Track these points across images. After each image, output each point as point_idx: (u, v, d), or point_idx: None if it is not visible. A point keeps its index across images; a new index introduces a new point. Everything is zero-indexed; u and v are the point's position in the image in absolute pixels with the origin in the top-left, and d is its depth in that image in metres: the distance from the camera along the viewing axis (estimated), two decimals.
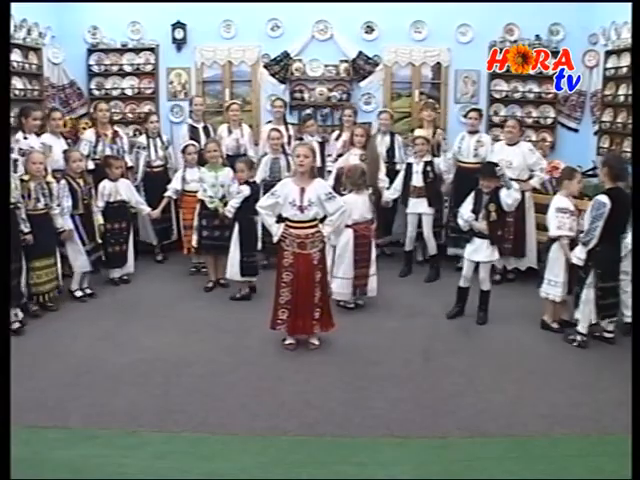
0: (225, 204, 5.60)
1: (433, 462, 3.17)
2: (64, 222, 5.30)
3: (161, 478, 3.00)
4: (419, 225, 6.12)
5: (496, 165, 5.13)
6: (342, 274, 5.23)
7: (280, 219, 4.52)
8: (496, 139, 6.94)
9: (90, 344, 4.56)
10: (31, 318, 4.96)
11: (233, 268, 5.46)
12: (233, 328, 4.89)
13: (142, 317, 5.13)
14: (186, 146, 6.19)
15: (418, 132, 6.07)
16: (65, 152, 5.63)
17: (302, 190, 4.34)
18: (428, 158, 5.96)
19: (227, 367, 4.21)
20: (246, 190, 5.42)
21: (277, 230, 4.43)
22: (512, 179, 5.82)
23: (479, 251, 4.96)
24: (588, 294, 4.50)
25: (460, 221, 5.06)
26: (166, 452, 3.24)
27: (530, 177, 5.99)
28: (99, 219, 5.67)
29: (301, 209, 4.34)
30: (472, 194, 5.05)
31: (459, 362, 4.30)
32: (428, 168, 5.94)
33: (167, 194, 6.16)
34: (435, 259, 6.18)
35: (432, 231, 6.06)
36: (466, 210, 5.01)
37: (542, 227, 6.00)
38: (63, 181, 5.38)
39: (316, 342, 4.57)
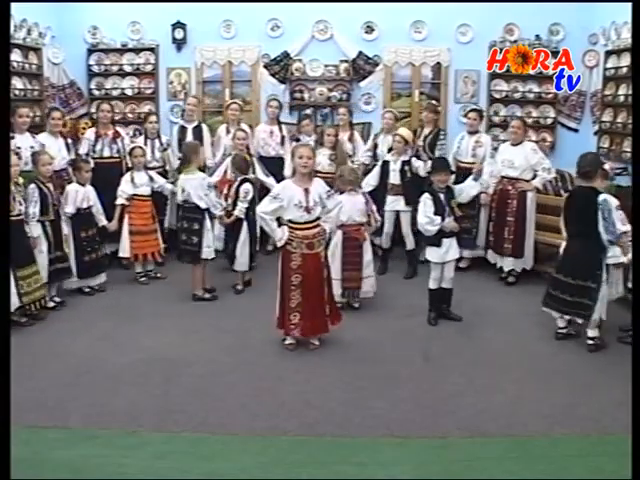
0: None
1: (433, 462, 3.17)
2: (31, 230, 4.98)
3: (161, 478, 3.00)
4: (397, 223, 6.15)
5: (446, 160, 5.34)
6: (335, 276, 5.13)
7: (279, 222, 4.55)
8: (495, 139, 6.96)
9: (90, 344, 4.56)
10: (23, 327, 4.82)
11: (242, 260, 5.63)
12: (233, 328, 4.89)
13: (142, 317, 5.12)
14: (133, 148, 6.07)
15: (400, 131, 6.06)
16: (33, 155, 5.33)
17: (306, 191, 4.34)
18: (406, 157, 5.97)
19: (227, 367, 4.20)
20: (251, 189, 5.52)
21: (281, 234, 4.40)
22: (514, 178, 5.87)
23: (450, 251, 4.91)
24: None
25: (429, 227, 4.81)
26: (166, 452, 3.24)
27: (534, 177, 5.92)
28: (64, 228, 5.36)
29: (308, 210, 4.34)
30: (427, 197, 4.87)
31: (459, 362, 4.30)
32: (406, 167, 5.95)
33: (119, 202, 5.84)
34: (413, 255, 6.19)
35: (410, 228, 6.02)
36: (432, 214, 4.82)
37: (543, 227, 6.02)
38: (32, 185, 5.04)
39: (316, 342, 4.56)
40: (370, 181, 6.12)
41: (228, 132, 6.75)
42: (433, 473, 3.06)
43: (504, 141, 6.35)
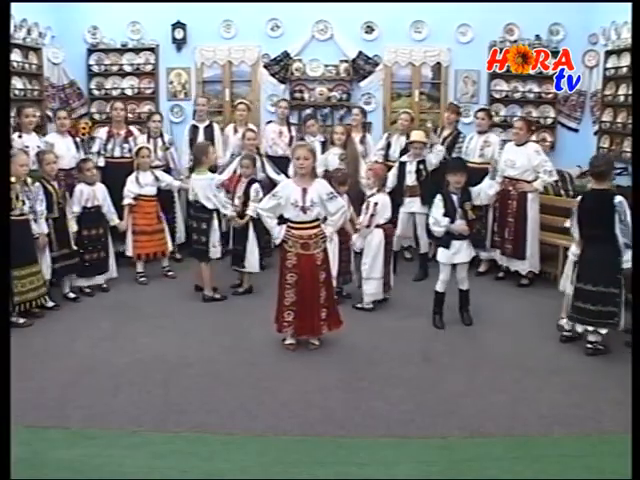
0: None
1: (433, 462, 3.17)
2: (39, 227, 5.00)
3: (161, 478, 3.00)
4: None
5: (462, 160, 5.28)
6: (378, 275, 5.27)
7: (281, 220, 4.52)
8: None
9: (90, 344, 4.56)
10: (13, 327, 4.69)
11: (253, 260, 5.57)
12: (233, 328, 4.89)
13: (142, 317, 5.12)
14: (140, 148, 6.06)
15: (414, 136, 5.99)
16: (38, 154, 5.37)
17: (304, 191, 4.34)
18: (421, 157, 5.95)
19: (227, 367, 4.21)
20: (260, 189, 5.49)
21: (279, 232, 4.42)
22: (514, 179, 5.85)
23: (460, 253, 4.87)
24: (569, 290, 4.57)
25: (435, 228, 4.87)
26: (166, 452, 3.23)
27: (536, 179, 5.83)
28: (73, 225, 5.41)
29: (304, 210, 4.33)
30: (439, 198, 4.88)
31: (459, 362, 4.30)
32: (421, 166, 5.94)
33: (126, 202, 5.87)
34: (424, 258, 6.17)
35: (425, 230, 5.97)
36: (439, 215, 4.84)
37: (547, 228, 6.00)
38: (37, 184, 5.06)
39: (316, 342, 4.56)
40: (388, 183, 6.09)
41: (236, 132, 6.76)
42: (433, 473, 3.06)
43: (509, 141, 6.33)
